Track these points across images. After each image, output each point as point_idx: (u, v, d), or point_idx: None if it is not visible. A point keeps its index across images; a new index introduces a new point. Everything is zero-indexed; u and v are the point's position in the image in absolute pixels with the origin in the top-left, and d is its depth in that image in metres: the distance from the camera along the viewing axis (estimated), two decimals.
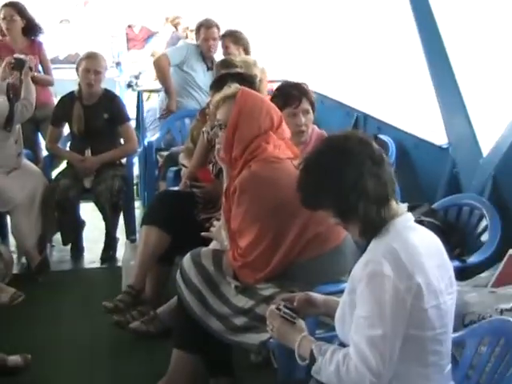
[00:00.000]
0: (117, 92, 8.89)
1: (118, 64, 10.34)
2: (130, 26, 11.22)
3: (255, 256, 3.17)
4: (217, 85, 4.04)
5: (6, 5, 5.99)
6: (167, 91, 6.16)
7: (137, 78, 10.09)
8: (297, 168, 2.49)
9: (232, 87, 3.44)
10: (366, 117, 5.14)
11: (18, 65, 5.21)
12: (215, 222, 3.56)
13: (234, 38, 6.16)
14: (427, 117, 5.07)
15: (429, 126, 5.03)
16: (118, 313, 4.10)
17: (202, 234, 3.57)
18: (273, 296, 3.08)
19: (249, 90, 3.41)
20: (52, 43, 10.36)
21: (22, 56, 5.33)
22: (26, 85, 5.14)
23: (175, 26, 10.11)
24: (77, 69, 5.32)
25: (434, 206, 3.96)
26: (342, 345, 2.36)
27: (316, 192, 2.38)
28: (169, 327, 3.85)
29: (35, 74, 5.70)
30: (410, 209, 3.05)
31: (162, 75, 6.25)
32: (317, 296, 2.71)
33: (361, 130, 5.02)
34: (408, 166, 4.69)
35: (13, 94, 5.03)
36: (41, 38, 6.29)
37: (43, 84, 5.94)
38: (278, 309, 2.59)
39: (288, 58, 7.12)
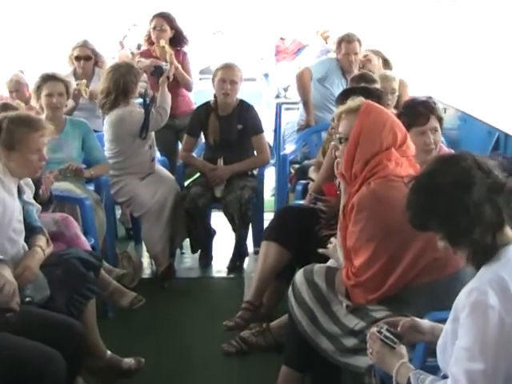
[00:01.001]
0: (263, 103, 9.00)
1: (266, 76, 10.41)
2: (282, 38, 11.29)
3: (369, 276, 3.06)
4: (342, 98, 3.96)
5: (157, 15, 6.16)
6: (305, 105, 6.11)
7: (285, 90, 10.12)
8: (406, 185, 2.37)
9: (356, 100, 3.34)
10: (508, 137, 4.86)
11: (157, 72, 5.36)
12: (332, 239, 3.47)
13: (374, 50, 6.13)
14: None
15: None
16: (239, 330, 4.10)
17: (319, 250, 3.49)
18: (384, 319, 2.95)
19: (373, 104, 3.30)
20: (205, 54, 10.63)
21: (161, 64, 5.48)
22: (161, 93, 5.26)
23: (325, 39, 10.07)
24: (213, 79, 5.38)
25: None
26: (446, 376, 2.23)
27: (424, 213, 2.27)
28: (280, 342, 3.81)
29: (178, 66, 5.86)
30: None
31: (302, 89, 6.20)
32: (423, 322, 2.59)
33: (499, 151, 4.77)
34: None
35: (149, 101, 5.15)
36: (188, 48, 6.43)
37: (182, 83, 6.04)
38: (379, 332, 2.50)
39: (427, 73, 6.93)
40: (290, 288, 3.35)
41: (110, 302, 4.20)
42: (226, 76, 5.28)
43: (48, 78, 4.93)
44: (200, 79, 10.08)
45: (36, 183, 3.94)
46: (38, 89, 4.92)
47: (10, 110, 4.15)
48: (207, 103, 5.47)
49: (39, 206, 3.74)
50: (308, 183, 4.82)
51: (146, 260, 5.40)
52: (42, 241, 3.48)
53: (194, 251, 5.43)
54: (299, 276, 3.33)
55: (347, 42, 6.01)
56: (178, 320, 4.63)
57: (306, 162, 5.37)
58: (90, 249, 4.10)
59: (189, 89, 6.24)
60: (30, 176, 3.66)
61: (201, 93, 8.44)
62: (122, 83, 5.10)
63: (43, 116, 4.76)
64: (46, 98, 4.88)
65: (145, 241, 5.28)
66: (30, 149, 3.42)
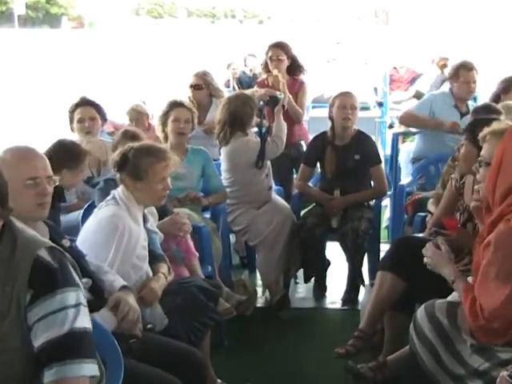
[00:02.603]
0: (377, 132, 8.93)
1: (380, 104, 10.34)
2: (395, 68, 11.24)
3: (503, 322, 2.89)
4: (469, 130, 3.89)
5: (273, 45, 6.24)
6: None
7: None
8: None
9: (502, 123, 3.23)
10: None
11: (272, 102, 5.39)
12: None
13: None
14: None
15: None
16: (350, 358, 4.02)
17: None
18: (511, 360, 2.85)
19: None
20: (318, 82, 10.68)
21: (276, 93, 5.51)
22: (277, 122, 5.29)
23: (441, 67, 9.93)
24: (330, 108, 5.37)
25: None
26: None
27: None
28: (398, 376, 3.71)
29: (289, 96, 5.89)
30: None
31: (413, 127, 6.13)
32: None
33: None
34: None
35: (265, 131, 5.19)
36: (306, 77, 6.47)
37: (292, 113, 6.04)
38: (510, 376, 2.41)
39: None
40: (412, 324, 3.28)
41: None
42: (347, 102, 5.27)
43: (176, 105, 5.06)
44: (313, 107, 10.14)
45: (160, 212, 4.02)
46: (166, 115, 5.04)
47: (131, 137, 4.28)
48: (324, 133, 5.46)
49: (161, 235, 3.81)
50: (426, 216, 4.74)
51: (259, 289, 5.39)
52: (164, 268, 3.57)
53: (307, 281, 5.40)
54: (420, 312, 3.25)
55: (467, 69, 5.87)
56: (290, 349, 4.61)
57: (424, 193, 5.27)
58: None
59: (298, 120, 6.24)
60: (154, 204, 3.75)
61: (314, 120, 8.50)
62: (237, 115, 5.14)
63: (168, 144, 4.87)
64: (173, 123, 4.99)
65: (259, 269, 5.30)
66: (156, 178, 3.51)
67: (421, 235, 4.42)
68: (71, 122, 5.11)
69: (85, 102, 5.13)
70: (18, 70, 25.42)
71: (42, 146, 4.07)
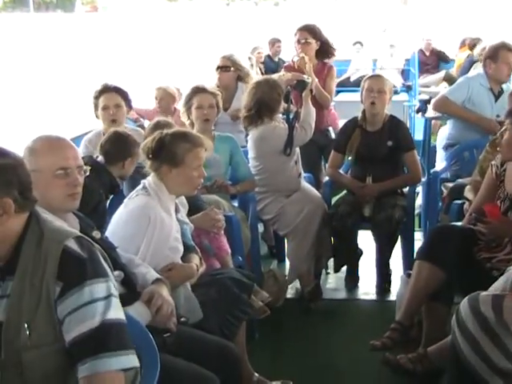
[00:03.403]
0: (405, 117, 8.77)
1: (408, 88, 10.16)
2: (421, 50, 11.05)
3: None
4: None
5: (301, 28, 6.08)
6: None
7: (427, 103, 9.85)
8: None
9: None
10: None
11: (300, 86, 5.23)
12: None
13: None
14: None
15: None
16: (386, 350, 3.88)
17: None
18: None
19: None
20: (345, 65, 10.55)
21: (304, 77, 5.36)
22: (305, 107, 5.13)
23: (471, 49, 9.73)
24: (361, 91, 5.22)
25: None
26: None
27: None
28: (438, 368, 3.56)
29: (316, 80, 5.75)
30: None
31: (447, 114, 5.93)
32: None
33: None
34: None
35: (293, 116, 5.04)
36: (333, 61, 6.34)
37: (319, 98, 5.87)
38: None
39: None
40: (454, 317, 3.16)
41: None
42: (374, 85, 5.11)
43: (197, 91, 4.92)
44: (338, 92, 9.98)
45: (191, 203, 3.91)
46: (189, 101, 4.91)
47: (163, 127, 4.15)
48: (355, 118, 5.29)
49: (192, 225, 3.69)
50: (463, 203, 4.59)
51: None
52: (196, 259, 3.48)
53: (337, 270, 5.26)
54: (464, 306, 3.12)
55: (508, 50, 5.53)
56: (322, 341, 4.51)
57: (459, 180, 5.11)
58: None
59: (325, 106, 6.08)
60: (188, 193, 3.62)
61: (339, 104, 8.36)
62: (265, 100, 4.98)
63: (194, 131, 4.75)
64: (197, 110, 4.87)
65: (290, 260, 5.14)
66: (193, 165, 3.40)
67: (459, 223, 4.28)
68: (96, 108, 4.88)
69: (110, 89, 4.88)
70: (33, 54, 25.45)
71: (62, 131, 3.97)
